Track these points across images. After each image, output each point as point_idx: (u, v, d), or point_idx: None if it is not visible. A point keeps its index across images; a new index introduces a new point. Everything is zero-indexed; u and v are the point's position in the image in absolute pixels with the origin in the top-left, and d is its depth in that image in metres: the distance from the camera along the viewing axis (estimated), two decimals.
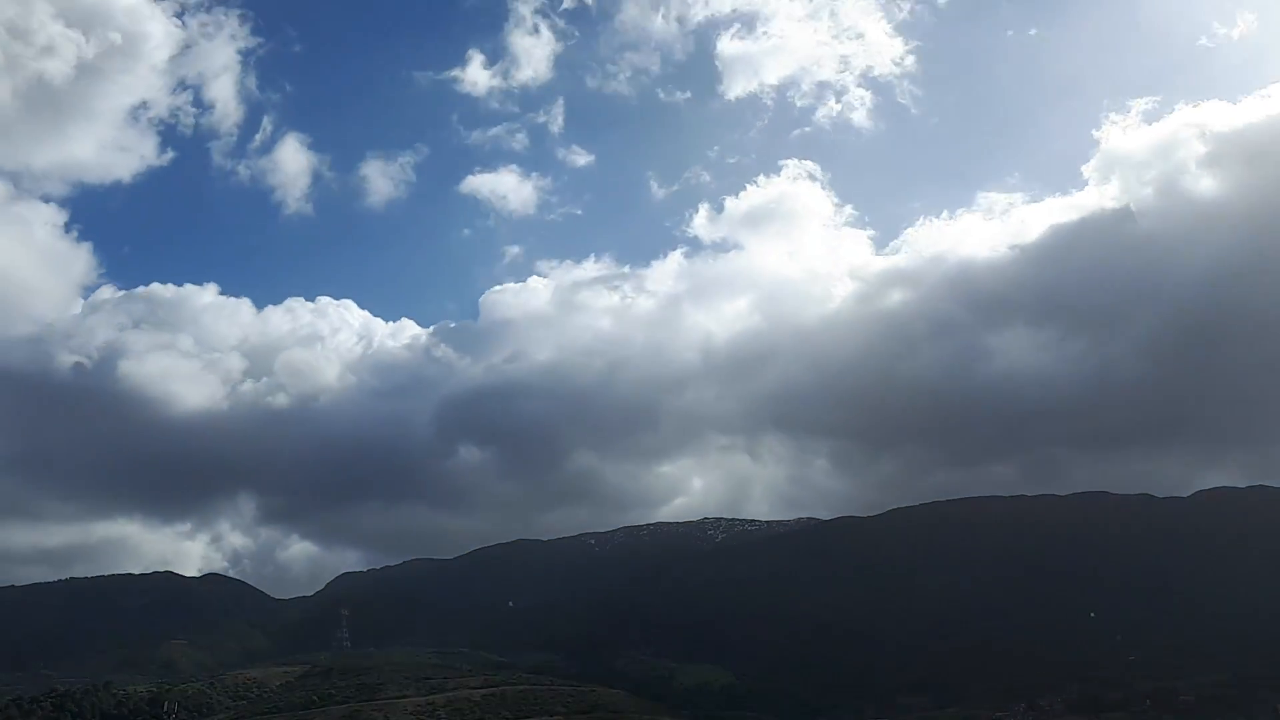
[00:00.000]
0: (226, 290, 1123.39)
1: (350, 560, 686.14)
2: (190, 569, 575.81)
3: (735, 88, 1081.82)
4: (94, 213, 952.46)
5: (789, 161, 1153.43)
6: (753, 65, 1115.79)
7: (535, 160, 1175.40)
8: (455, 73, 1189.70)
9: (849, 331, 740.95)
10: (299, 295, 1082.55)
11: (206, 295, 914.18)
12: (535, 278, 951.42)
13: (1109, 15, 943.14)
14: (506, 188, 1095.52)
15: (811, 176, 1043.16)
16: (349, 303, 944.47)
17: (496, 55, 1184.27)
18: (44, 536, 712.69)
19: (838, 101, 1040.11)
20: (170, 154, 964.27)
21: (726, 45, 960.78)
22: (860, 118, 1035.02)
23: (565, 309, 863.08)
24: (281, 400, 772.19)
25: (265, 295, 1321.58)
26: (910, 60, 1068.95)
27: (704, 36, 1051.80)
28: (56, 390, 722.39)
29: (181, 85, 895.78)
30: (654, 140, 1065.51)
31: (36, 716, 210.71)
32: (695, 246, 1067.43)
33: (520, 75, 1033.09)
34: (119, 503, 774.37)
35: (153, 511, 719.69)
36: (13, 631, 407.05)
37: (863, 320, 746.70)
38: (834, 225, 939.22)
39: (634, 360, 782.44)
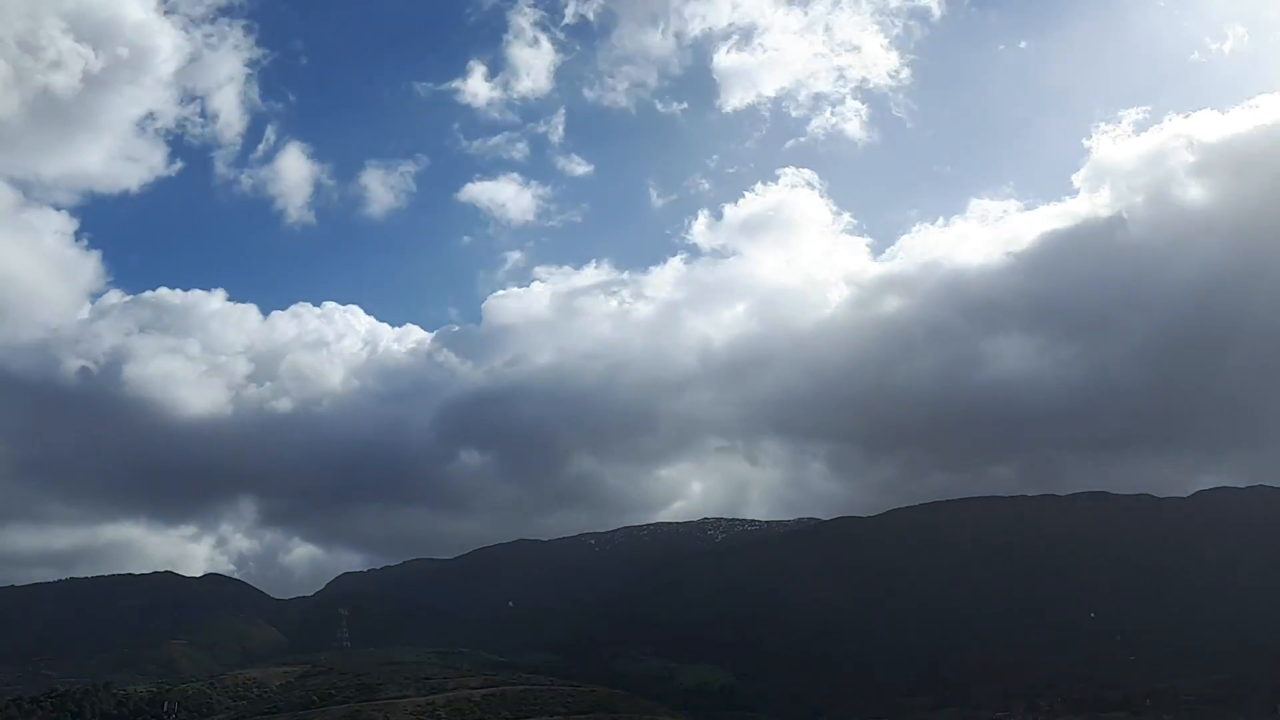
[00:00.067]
0: (234, 296, 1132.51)
1: (351, 562, 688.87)
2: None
3: (733, 99, 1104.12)
4: (103, 221, 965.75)
5: (786, 169, 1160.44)
6: (750, 77, 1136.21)
7: (535, 169, 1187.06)
8: (456, 84, 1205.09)
9: (845, 337, 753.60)
10: (305, 301, 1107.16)
11: (213, 301, 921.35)
12: (537, 283, 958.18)
13: (1100, 29, 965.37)
14: (508, 195, 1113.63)
15: (809, 184, 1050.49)
16: (355, 308, 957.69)
17: (497, 67, 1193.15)
18: (49, 539, 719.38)
19: (834, 113, 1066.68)
20: (177, 164, 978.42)
21: (723, 58, 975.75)
22: (857, 128, 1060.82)
23: (566, 314, 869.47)
24: (285, 404, 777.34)
25: (271, 301, 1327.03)
26: (905, 73, 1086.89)
27: (702, 49, 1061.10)
28: (62, 395, 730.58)
29: (188, 96, 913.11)
30: (653, 150, 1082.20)
31: (36, 716, 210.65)
32: (694, 253, 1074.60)
33: (520, 86, 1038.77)
34: (124, 506, 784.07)
35: (156, 514, 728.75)
36: (13, 631, 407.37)
37: (859, 326, 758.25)
38: (832, 232, 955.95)
39: (633, 365, 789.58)
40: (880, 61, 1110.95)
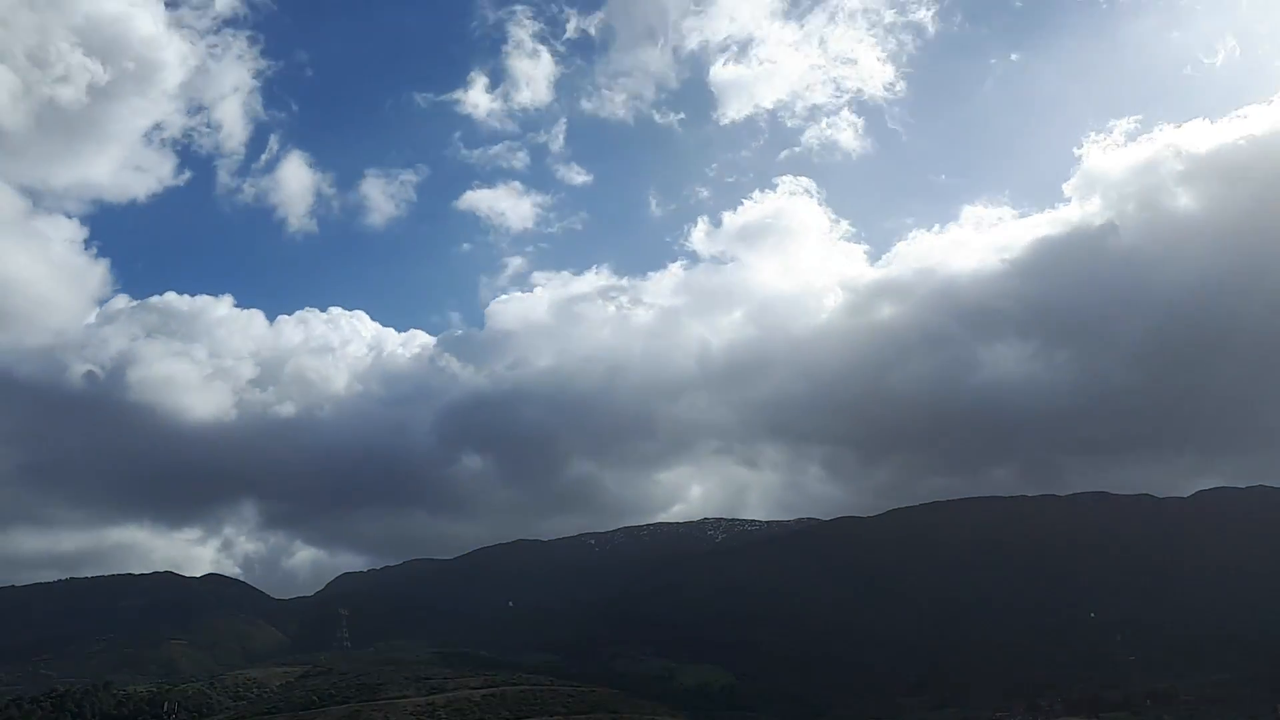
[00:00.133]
0: (240, 302, 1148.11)
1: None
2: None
3: (731, 111, 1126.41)
4: (111, 229, 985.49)
5: (784, 178, 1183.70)
6: (747, 89, 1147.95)
7: (536, 178, 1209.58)
8: (457, 94, 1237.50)
9: (842, 341, 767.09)
10: (311, 306, 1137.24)
11: (218, 306, 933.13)
12: (538, 289, 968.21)
13: (1091, 42, 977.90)
14: (509, 202, 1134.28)
15: (807, 192, 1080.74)
16: (361, 314, 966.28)
17: (497, 79, 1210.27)
18: (55, 542, 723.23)
19: (830, 124, 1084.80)
20: (185, 174, 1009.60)
21: (721, 70, 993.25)
22: (853, 139, 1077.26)
23: (566, 319, 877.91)
24: (289, 409, 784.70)
25: (277, 307, 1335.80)
26: (901, 85, 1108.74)
27: (699, 62, 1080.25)
28: (69, 399, 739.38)
29: (195, 107, 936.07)
30: (652, 159, 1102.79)
31: (36, 716, 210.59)
32: (693, 259, 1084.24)
33: (520, 98, 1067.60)
34: (128, 509, 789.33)
35: (160, 518, 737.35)
36: (13, 631, 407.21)
37: (856, 331, 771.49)
38: (830, 239, 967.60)
39: (633, 369, 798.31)
40: (876, 74, 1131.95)
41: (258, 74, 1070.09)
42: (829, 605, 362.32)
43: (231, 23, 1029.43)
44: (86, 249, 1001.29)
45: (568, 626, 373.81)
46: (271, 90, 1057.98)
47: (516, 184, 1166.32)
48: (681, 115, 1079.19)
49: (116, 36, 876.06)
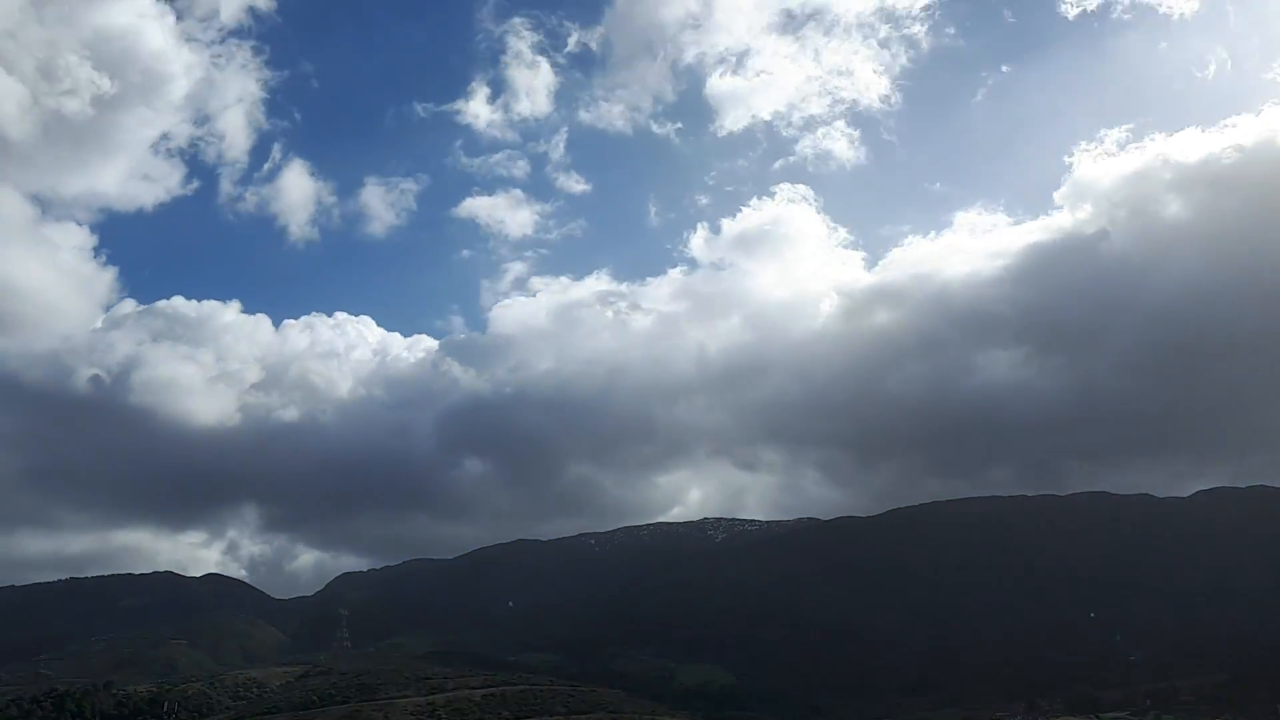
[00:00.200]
0: (248, 308, 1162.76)
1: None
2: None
3: (728, 121, 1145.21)
4: (120, 237, 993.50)
5: (782, 185, 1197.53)
6: (744, 101, 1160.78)
7: (536, 186, 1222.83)
8: (458, 105, 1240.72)
9: (839, 346, 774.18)
10: (319, 311, 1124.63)
11: (225, 312, 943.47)
12: (538, 294, 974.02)
13: (1082, 55, 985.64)
14: (510, 209, 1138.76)
15: (805, 200, 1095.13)
16: (367, 319, 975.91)
17: (498, 90, 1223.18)
18: (61, 545, 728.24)
19: (826, 135, 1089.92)
20: (193, 183, 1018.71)
21: (718, 82, 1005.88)
22: (850, 149, 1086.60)
23: (567, 324, 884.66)
24: (293, 413, 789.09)
25: (284, 312, 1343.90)
26: (895, 97, 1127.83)
27: (697, 74, 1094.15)
28: (75, 403, 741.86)
29: (201, 117, 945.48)
30: (651, 169, 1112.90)
31: (36, 716, 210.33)
32: (693, 266, 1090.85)
33: (520, 108, 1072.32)
34: (133, 512, 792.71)
35: (164, 521, 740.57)
36: (13, 631, 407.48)
37: (852, 336, 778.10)
38: (828, 246, 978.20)
39: (632, 374, 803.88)
40: (872, 85, 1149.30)
41: (262, 84, 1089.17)
42: (829, 605, 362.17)
43: (236, 33, 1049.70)
44: (95, 256, 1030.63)
45: (568, 626, 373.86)
46: (275, 100, 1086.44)
47: (517, 192, 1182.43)
48: (679, 125, 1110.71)
49: (125, 49, 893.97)
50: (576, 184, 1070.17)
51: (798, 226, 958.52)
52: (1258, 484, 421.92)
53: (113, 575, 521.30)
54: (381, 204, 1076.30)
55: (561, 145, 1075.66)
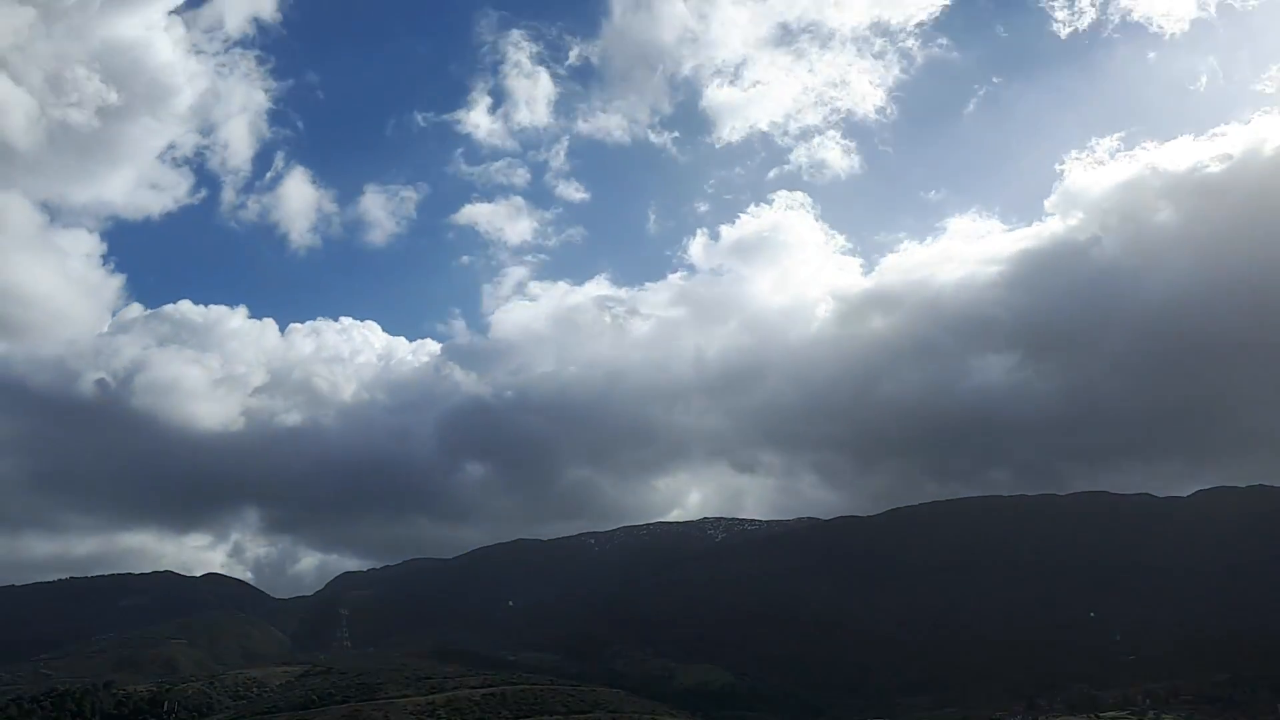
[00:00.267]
0: (254, 313, 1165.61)
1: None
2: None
3: (725, 132, 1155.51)
4: (127, 245, 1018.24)
5: (780, 193, 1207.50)
6: (741, 112, 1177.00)
7: (536, 194, 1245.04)
8: (459, 115, 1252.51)
9: (836, 351, 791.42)
10: (324, 317, 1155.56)
11: (231, 317, 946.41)
12: (539, 299, 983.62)
13: (1073, 67, 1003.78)
14: (510, 216, 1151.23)
15: (804, 207, 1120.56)
16: (372, 324, 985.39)
17: (499, 100, 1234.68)
18: (66, 548, 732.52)
19: (822, 144, 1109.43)
20: (200, 192, 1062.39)
21: (716, 93, 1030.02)
22: (846, 158, 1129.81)
23: (567, 329, 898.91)
24: (297, 417, 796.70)
25: (289, 317, 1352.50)
26: (891, 109, 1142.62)
27: (694, 86, 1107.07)
28: (80, 407, 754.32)
29: (207, 127, 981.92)
30: (650, 178, 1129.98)
31: (36, 716, 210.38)
32: (692, 271, 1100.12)
33: (519, 118, 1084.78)
34: (138, 514, 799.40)
35: (169, 523, 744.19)
36: (13, 631, 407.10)
37: (849, 340, 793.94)
38: (826, 253, 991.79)
39: (632, 378, 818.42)
40: (868, 96, 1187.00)
41: (266, 94, 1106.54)
42: (829, 604, 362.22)
43: (241, 43, 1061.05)
44: (104, 263, 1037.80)
45: (567, 626, 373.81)
46: (278, 109, 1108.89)
47: (518, 199, 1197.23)
48: (676, 134, 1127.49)
49: (133, 61, 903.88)
50: (576, 192, 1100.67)
51: (796, 233, 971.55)
52: (1257, 483, 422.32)
53: (113, 575, 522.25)
54: (382, 211, 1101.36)
55: (561, 154, 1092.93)
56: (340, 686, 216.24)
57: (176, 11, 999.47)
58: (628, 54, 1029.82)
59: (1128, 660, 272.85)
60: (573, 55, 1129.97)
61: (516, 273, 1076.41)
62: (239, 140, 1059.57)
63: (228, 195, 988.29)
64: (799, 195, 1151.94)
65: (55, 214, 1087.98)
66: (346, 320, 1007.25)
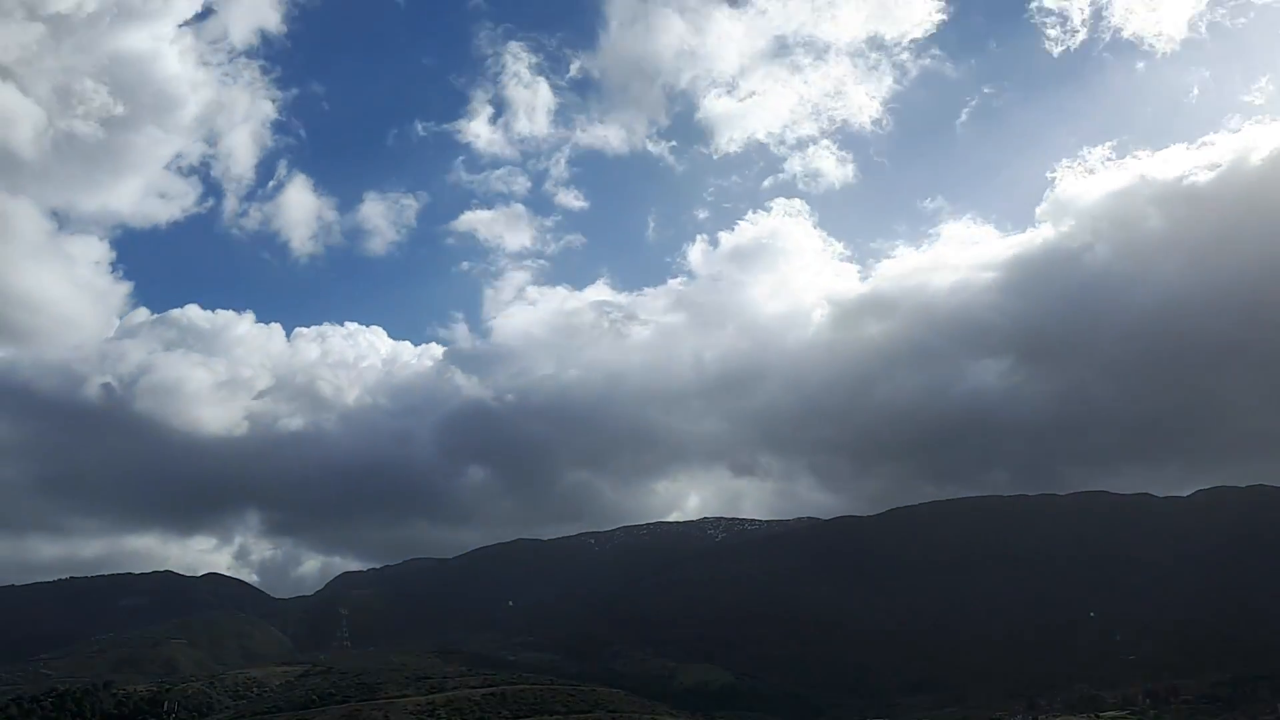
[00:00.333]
0: (261, 318, 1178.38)
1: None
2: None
3: (723, 142, 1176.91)
4: (136, 252, 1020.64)
5: (778, 200, 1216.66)
6: (739, 122, 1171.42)
7: (536, 202, 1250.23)
8: (459, 124, 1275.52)
9: (833, 355, 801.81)
10: (330, 322, 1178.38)
11: (238, 322, 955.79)
12: (540, 304, 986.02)
13: (1064, 77, 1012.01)
14: (510, 223, 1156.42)
15: (801, 214, 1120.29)
16: (378, 329, 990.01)
17: (499, 110, 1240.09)
18: (71, 550, 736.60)
19: (818, 154, 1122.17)
20: (208, 201, 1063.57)
21: (714, 104, 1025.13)
22: (842, 168, 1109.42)
23: (567, 334, 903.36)
24: (299, 421, 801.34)
25: (294, 322, 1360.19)
26: (886, 120, 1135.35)
27: (690, 98, 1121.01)
28: (86, 411, 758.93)
29: (212, 136, 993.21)
30: (649, 186, 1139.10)
31: (36, 716, 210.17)
32: (690, 277, 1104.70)
33: (519, 128, 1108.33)
34: (142, 518, 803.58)
35: (173, 526, 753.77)
36: (13, 631, 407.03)
37: (846, 345, 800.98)
38: (823, 259, 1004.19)
39: (631, 382, 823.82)
40: (864, 107, 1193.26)
41: (271, 104, 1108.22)
42: (829, 604, 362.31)
43: (246, 54, 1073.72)
44: (113, 270, 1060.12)
45: (567, 626, 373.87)
46: (282, 119, 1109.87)
47: (518, 206, 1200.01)
48: (674, 144, 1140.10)
49: (140, 74, 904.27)
50: (575, 200, 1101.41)
51: (794, 240, 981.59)
52: (1256, 484, 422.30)
53: (113, 575, 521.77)
54: (383, 219, 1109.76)
55: (561, 163, 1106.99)
56: (340, 686, 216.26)
57: (185, 25, 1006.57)
58: (626, 66, 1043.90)
59: (1128, 660, 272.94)
60: (573, 68, 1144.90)
61: (517, 278, 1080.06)
62: (243, 149, 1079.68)
63: (232, 203, 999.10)
64: (797, 203, 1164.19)
65: (64, 221, 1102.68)
66: (352, 325, 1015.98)
